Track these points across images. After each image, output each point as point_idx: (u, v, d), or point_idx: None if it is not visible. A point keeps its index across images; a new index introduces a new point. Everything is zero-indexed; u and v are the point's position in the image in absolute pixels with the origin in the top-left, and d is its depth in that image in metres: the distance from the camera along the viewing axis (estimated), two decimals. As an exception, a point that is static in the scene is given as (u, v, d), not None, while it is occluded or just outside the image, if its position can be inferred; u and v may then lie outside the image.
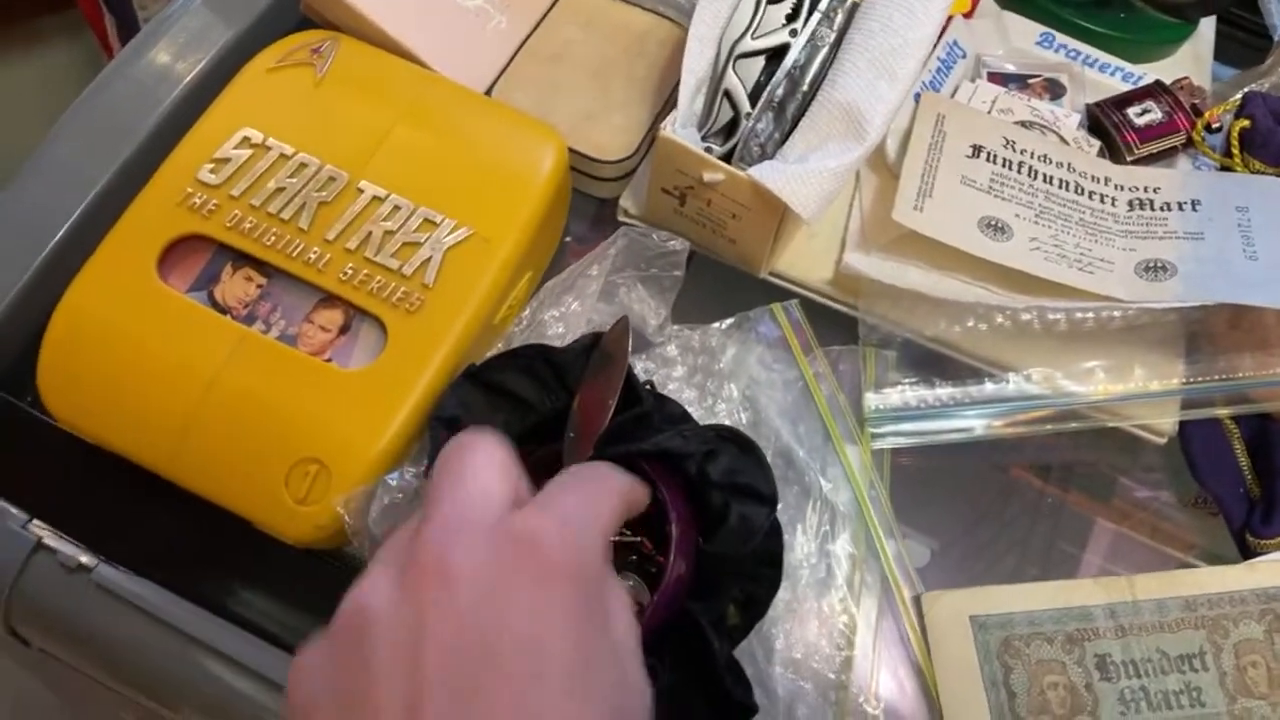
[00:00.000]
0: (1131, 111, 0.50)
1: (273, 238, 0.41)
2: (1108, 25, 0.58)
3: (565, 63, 0.50)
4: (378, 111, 0.44)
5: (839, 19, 0.43)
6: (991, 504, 0.47)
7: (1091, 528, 0.48)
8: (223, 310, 0.40)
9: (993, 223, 0.44)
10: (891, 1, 0.42)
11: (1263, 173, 0.47)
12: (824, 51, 0.42)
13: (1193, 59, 0.60)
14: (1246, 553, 0.43)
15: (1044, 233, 0.44)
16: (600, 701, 0.22)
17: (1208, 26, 0.61)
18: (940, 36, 0.53)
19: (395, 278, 0.40)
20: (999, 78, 0.52)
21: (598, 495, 0.27)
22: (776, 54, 0.43)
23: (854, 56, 0.41)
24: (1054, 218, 0.45)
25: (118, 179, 0.46)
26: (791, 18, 0.44)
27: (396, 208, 0.42)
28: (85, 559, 0.40)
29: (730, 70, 0.44)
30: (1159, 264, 0.43)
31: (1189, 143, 0.50)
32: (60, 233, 0.44)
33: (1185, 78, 0.53)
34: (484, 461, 0.25)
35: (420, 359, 0.39)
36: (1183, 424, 0.44)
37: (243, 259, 0.41)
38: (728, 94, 0.44)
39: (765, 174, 0.40)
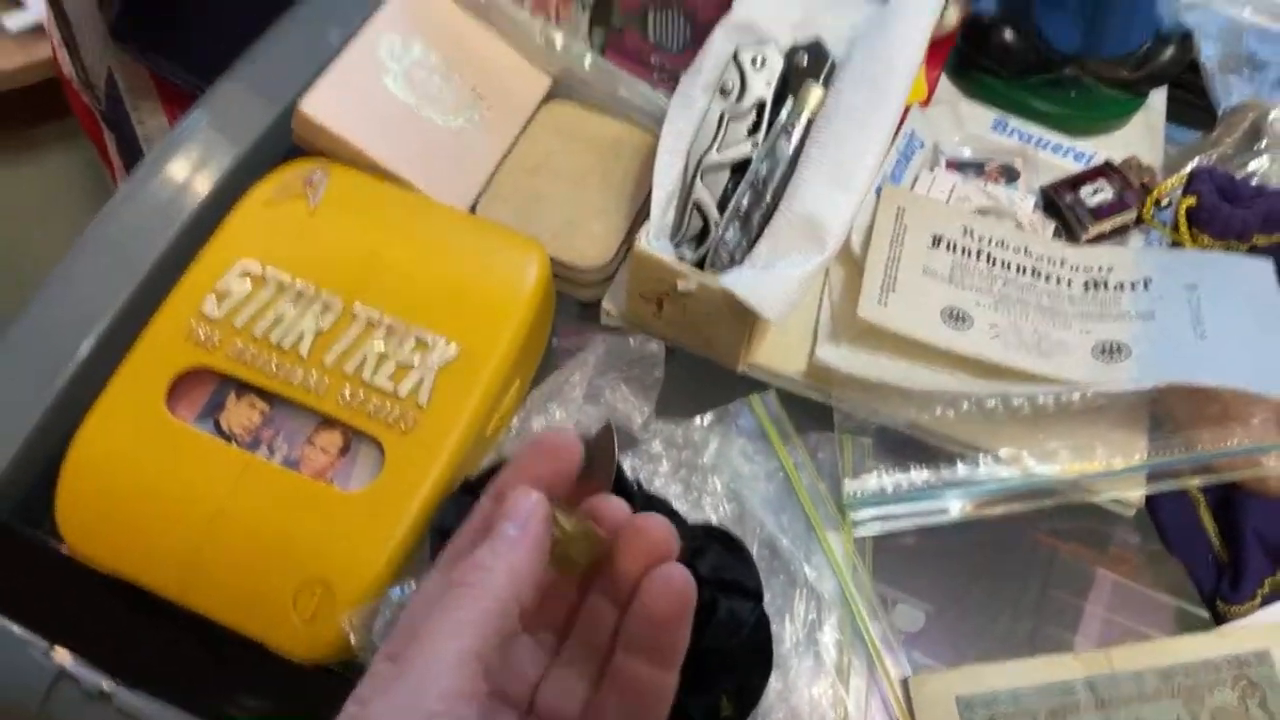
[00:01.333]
0: (1084, 191, 0.53)
1: (274, 366, 0.43)
2: (1060, 104, 0.61)
3: (545, 173, 0.53)
4: (369, 236, 0.47)
5: (797, 133, 0.45)
6: (986, 561, 0.49)
7: (1085, 579, 0.49)
8: (228, 437, 0.43)
9: (954, 312, 0.46)
10: (845, 116, 0.44)
11: (1211, 248, 0.50)
12: (784, 164, 0.45)
13: (1145, 128, 0.63)
14: (1218, 618, 0.44)
15: (1003, 319, 0.46)
16: None
17: (1158, 96, 0.64)
18: (899, 127, 0.56)
19: (390, 399, 0.43)
20: (956, 164, 0.55)
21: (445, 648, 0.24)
22: (741, 166, 0.46)
23: (812, 169, 0.44)
24: (1013, 303, 0.47)
25: (127, 309, 0.48)
26: (753, 131, 0.46)
27: (390, 330, 0.44)
28: (106, 685, 0.41)
29: (699, 182, 0.46)
30: (1114, 346, 0.45)
31: (1140, 220, 0.52)
32: (74, 365, 0.47)
33: (1133, 156, 0.55)
34: None
35: (417, 477, 0.41)
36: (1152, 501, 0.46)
37: (246, 387, 0.44)
38: (697, 205, 0.46)
39: (734, 281, 0.43)
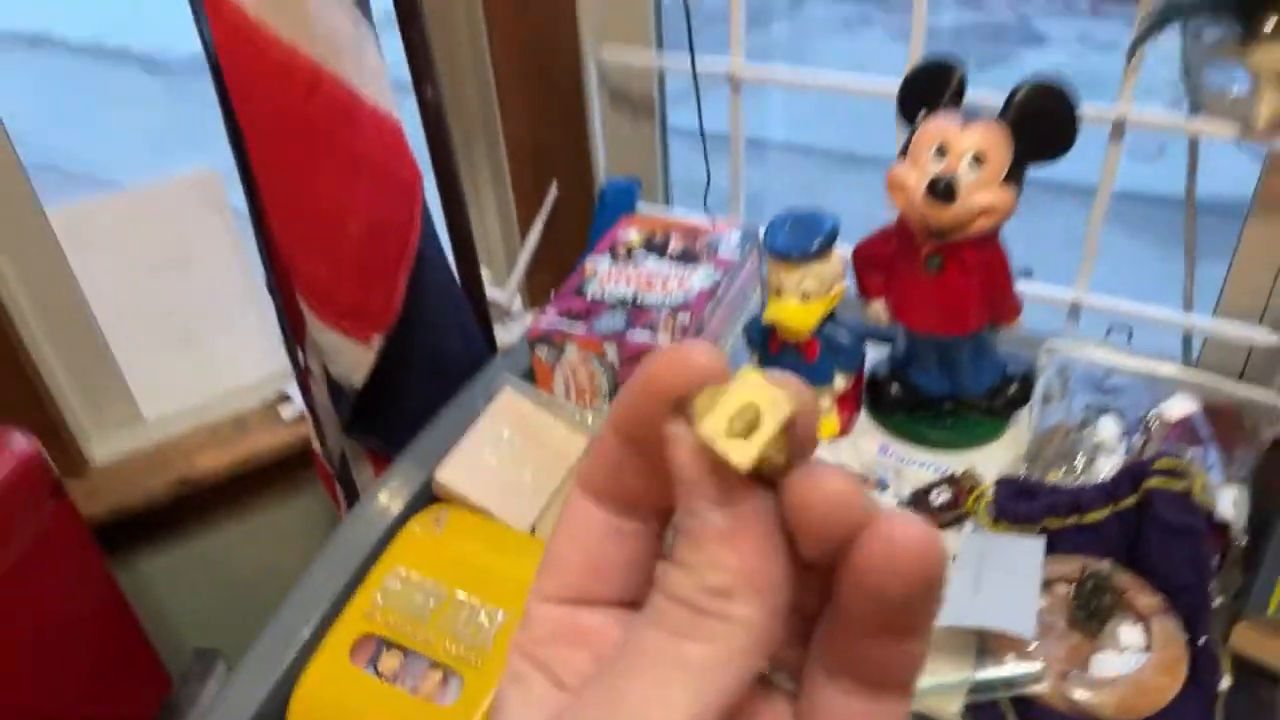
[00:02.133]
0: (933, 494, 0.78)
1: (408, 629, 0.74)
2: (944, 431, 0.87)
3: (580, 504, 0.85)
4: (468, 549, 0.79)
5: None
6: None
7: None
8: (380, 676, 0.73)
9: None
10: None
11: (1009, 530, 0.73)
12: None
13: (1013, 440, 0.87)
14: (1018, 798, 0.63)
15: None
16: None
17: (1025, 412, 0.89)
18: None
19: (469, 648, 0.72)
20: (850, 480, 0.82)
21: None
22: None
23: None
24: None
25: (336, 600, 0.82)
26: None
27: (472, 608, 0.75)
28: (304, 830, 0.70)
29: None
30: (920, 601, 0.68)
31: (967, 513, 0.76)
32: (307, 634, 0.80)
33: (970, 468, 0.80)
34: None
35: (485, 694, 0.70)
36: (969, 709, 0.66)
37: (392, 644, 0.75)
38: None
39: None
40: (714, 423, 0.18)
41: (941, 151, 0.73)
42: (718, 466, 0.18)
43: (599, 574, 0.21)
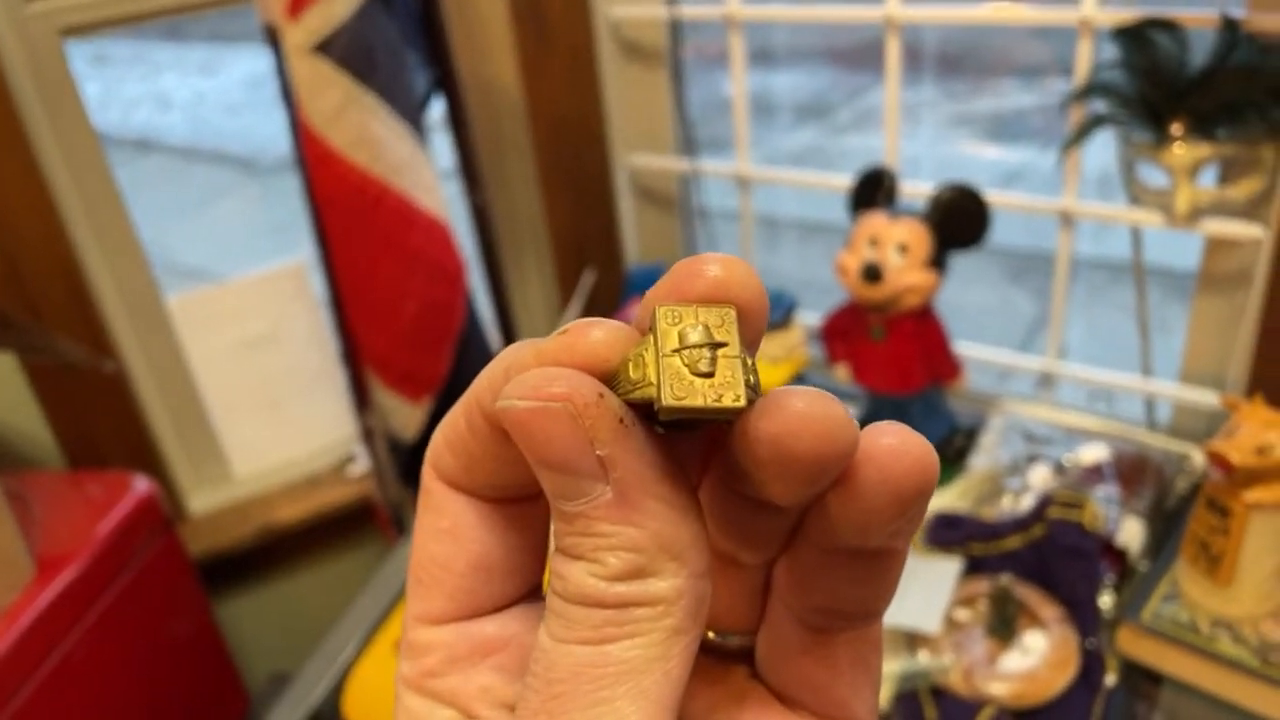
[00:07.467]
0: (880, 527, 0.92)
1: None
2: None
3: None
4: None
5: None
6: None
7: None
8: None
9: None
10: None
11: (937, 554, 0.87)
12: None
13: (964, 487, 1.01)
14: (929, 771, 0.75)
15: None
16: None
17: (976, 458, 1.03)
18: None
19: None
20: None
21: None
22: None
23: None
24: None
25: (382, 613, 0.99)
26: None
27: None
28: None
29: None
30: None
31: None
32: (355, 644, 0.97)
33: (914, 505, 0.95)
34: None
35: None
36: (897, 698, 0.80)
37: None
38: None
39: None
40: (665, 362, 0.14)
41: (874, 242, 0.91)
42: (588, 427, 0.14)
43: (489, 575, 0.18)
